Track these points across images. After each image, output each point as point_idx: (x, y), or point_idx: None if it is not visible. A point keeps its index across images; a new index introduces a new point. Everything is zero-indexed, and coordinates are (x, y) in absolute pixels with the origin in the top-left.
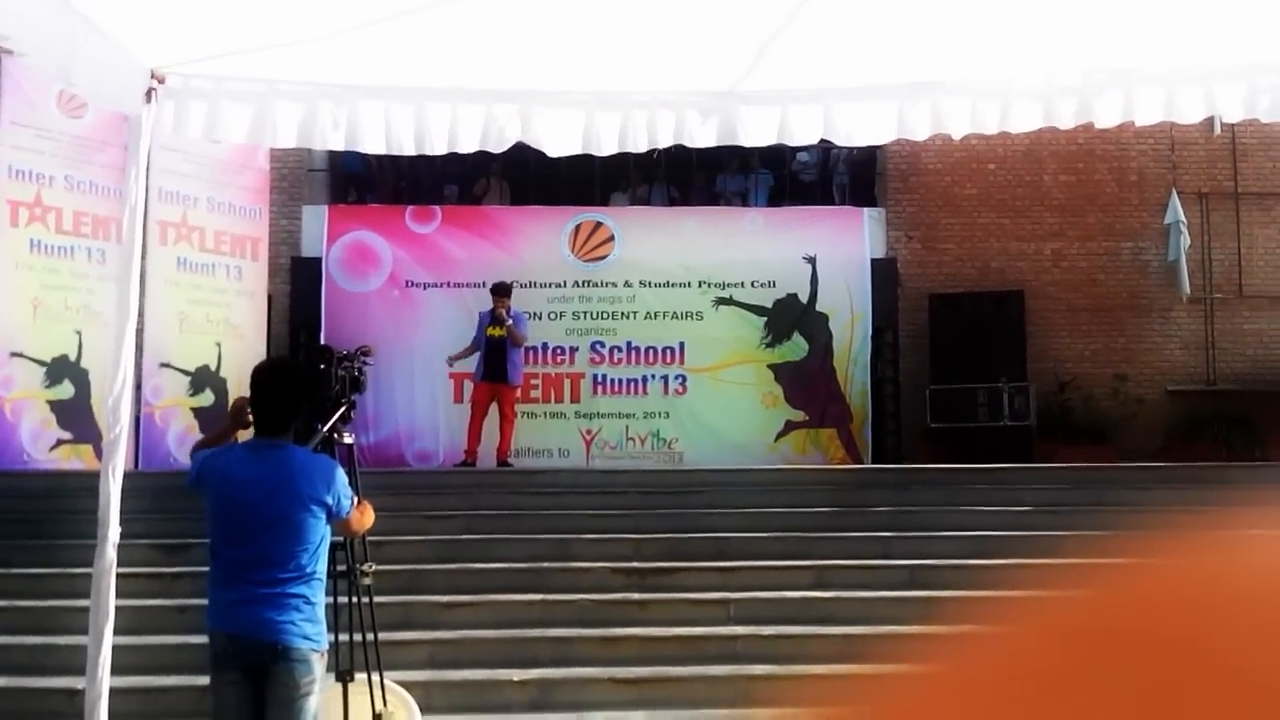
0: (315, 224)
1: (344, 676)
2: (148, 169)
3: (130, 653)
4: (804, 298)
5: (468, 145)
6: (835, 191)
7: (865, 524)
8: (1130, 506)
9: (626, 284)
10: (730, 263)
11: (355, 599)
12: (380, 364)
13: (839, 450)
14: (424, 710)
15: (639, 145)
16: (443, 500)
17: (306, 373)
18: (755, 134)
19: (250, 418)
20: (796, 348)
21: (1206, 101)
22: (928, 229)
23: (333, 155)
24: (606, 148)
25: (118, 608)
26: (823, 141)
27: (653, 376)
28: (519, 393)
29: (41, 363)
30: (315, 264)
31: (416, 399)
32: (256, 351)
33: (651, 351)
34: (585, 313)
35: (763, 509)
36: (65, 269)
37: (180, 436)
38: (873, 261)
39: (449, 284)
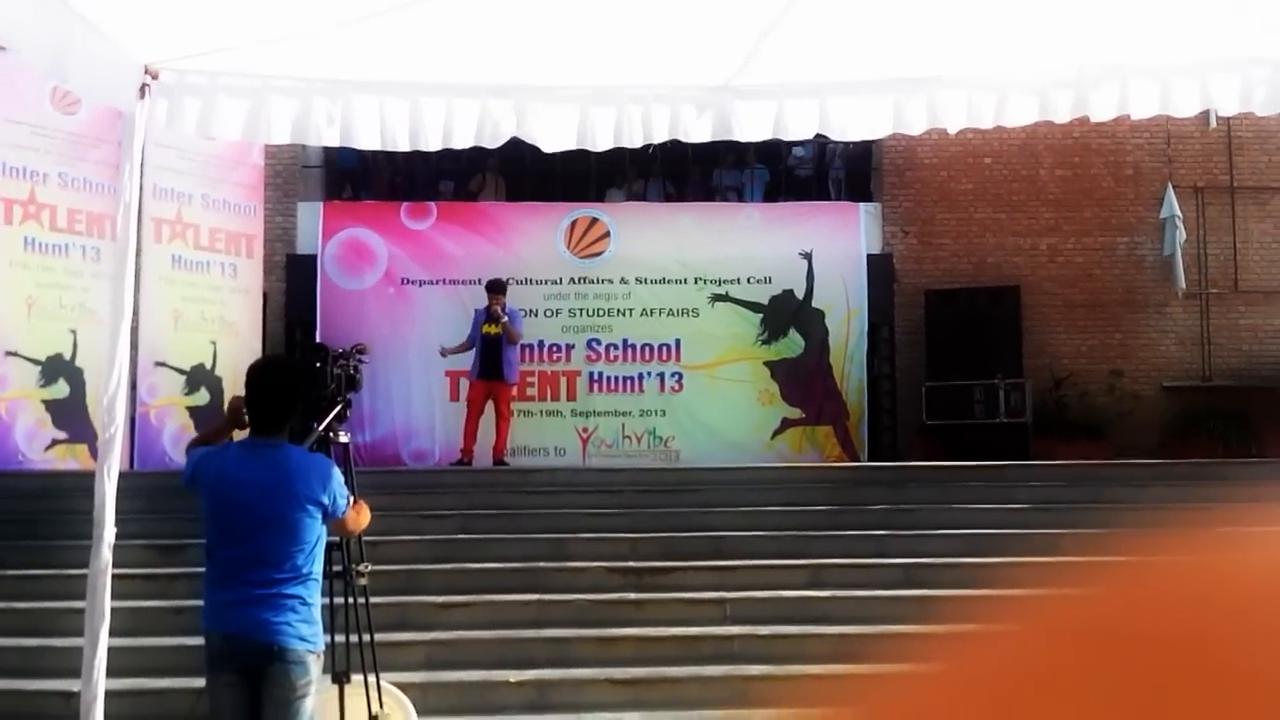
0: (310, 221)
1: (340, 678)
2: (142, 166)
3: (126, 654)
4: (800, 294)
5: (463, 141)
6: (831, 187)
7: (861, 522)
8: (1126, 503)
9: (622, 280)
10: (726, 259)
11: (351, 599)
12: (376, 362)
13: (835, 448)
14: (420, 712)
15: (634, 140)
16: (439, 499)
17: (302, 371)
18: (750, 129)
19: (246, 417)
20: (793, 344)
21: (1202, 95)
22: (924, 224)
23: (328, 151)
24: (602, 143)
25: (113, 609)
26: (818, 136)
27: (649, 374)
28: (515, 391)
29: (36, 362)
30: (310, 261)
31: (412, 397)
32: (252, 350)
33: (648, 349)
34: (581, 310)
35: (759, 507)
36: (59, 267)
37: (175, 436)
38: (869, 257)
39: (445, 281)
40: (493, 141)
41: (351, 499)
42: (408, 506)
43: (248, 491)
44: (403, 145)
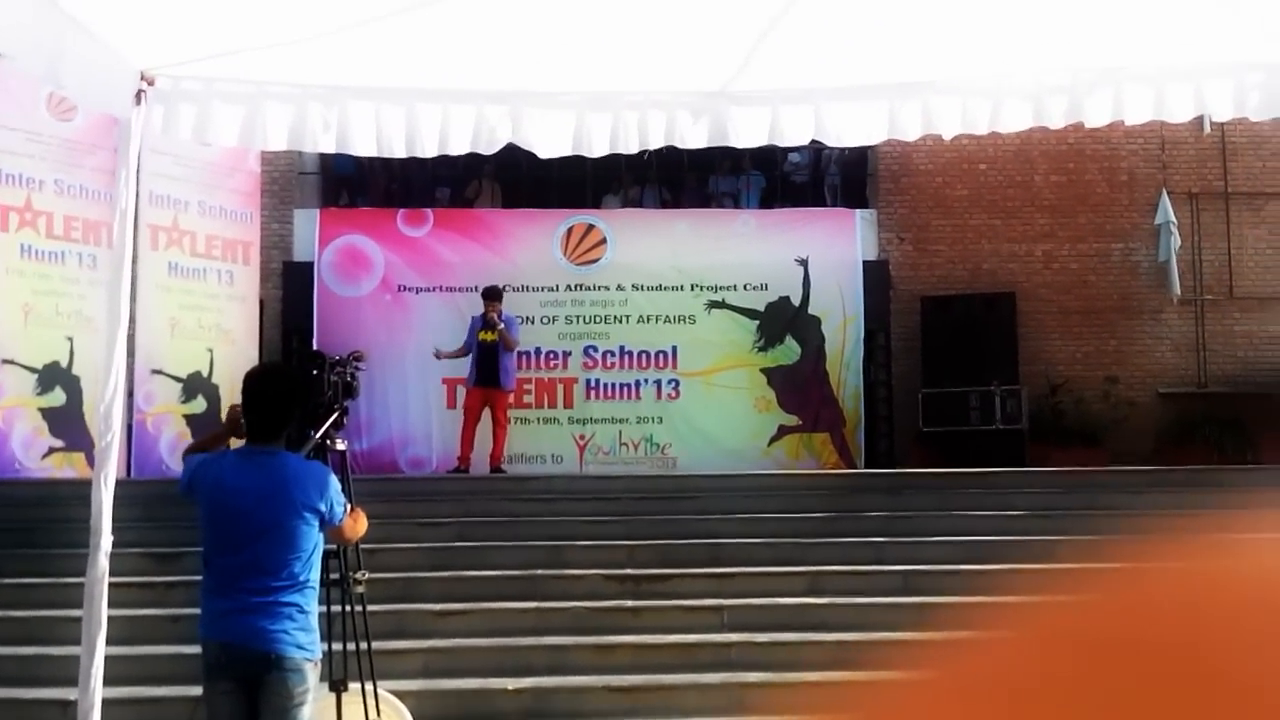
0: (307, 228)
1: (337, 686)
2: (138, 172)
3: (123, 663)
4: (796, 300)
5: (459, 147)
6: (827, 193)
7: (858, 529)
8: (1122, 510)
9: (619, 287)
10: (723, 265)
11: (348, 607)
12: (373, 369)
13: (832, 454)
14: (418, 719)
15: (630, 146)
16: (436, 507)
17: (298, 378)
18: (746, 135)
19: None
20: (789, 351)
21: (1196, 100)
22: (919, 231)
23: (324, 158)
24: (597, 149)
25: (110, 617)
26: (814, 142)
27: (645, 381)
28: (511, 398)
29: (33, 370)
30: (307, 268)
31: (409, 405)
32: (248, 357)
33: (644, 356)
34: (578, 317)
35: (756, 514)
36: (56, 274)
37: (172, 443)
38: (865, 264)
39: (441, 288)
40: (489, 148)
41: (349, 506)
42: (405, 514)
43: (245, 499)
44: (399, 151)
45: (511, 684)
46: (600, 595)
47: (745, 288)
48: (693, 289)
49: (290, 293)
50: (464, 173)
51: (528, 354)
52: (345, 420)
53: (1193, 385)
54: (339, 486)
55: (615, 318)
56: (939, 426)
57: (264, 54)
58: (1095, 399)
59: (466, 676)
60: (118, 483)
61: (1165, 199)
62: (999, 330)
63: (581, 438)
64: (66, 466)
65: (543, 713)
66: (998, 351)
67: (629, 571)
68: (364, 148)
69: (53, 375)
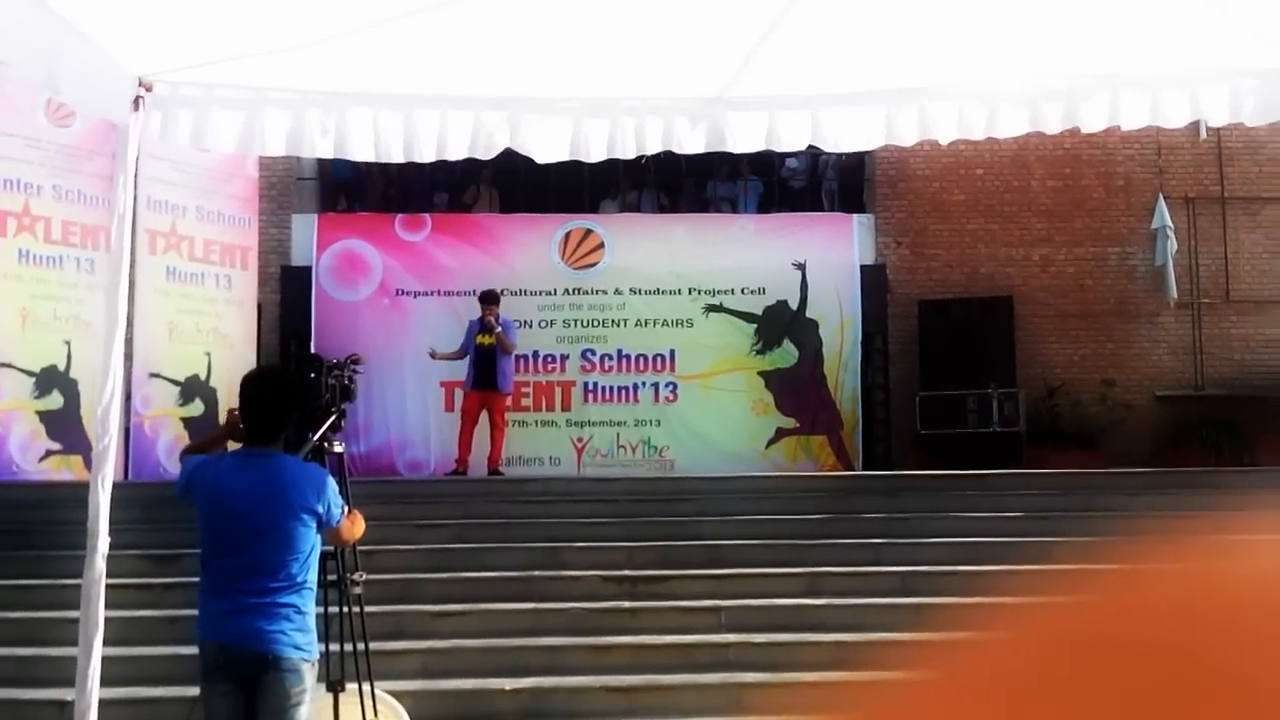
0: (305, 232)
1: (335, 686)
2: (136, 178)
3: (120, 664)
4: (794, 304)
5: (456, 152)
6: (824, 198)
7: (856, 531)
8: (1119, 512)
9: (617, 291)
10: (720, 269)
11: (346, 608)
12: (371, 373)
13: (830, 457)
14: None
15: (627, 152)
16: (434, 509)
17: (296, 381)
18: (743, 140)
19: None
20: (787, 354)
21: (1191, 105)
22: (916, 235)
23: (322, 163)
24: (595, 154)
25: (107, 619)
26: (811, 148)
27: (643, 384)
28: (509, 401)
29: (30, 373)
30: (305, 273)
31: (407, 408)
32: (246, 361)
33: (642, 359)
34: (576, 320)
35: (754, 516)
36: (54, 279)
37: (170, 446)
38: (862, 268)
39: (439, 292)
40: (486, 153)
41: (346, 508)
42: (403, 516)
43: (242, 501)
44: (397, 157)
45: (509, 684)
46: (598, 596)
47: (743, 292)
48: (690, 293)
49: (288, 297)
50: (462, 178)
51: (526, 357)
52: (343, 423)
53: (1189, 388)
54: (336, 488)
55: (613, 321)
56: (936, 429)
57: (262, 60)
58: (1092, 402)
59: (464, 677)
60: (115, 485)
61: (1162, 204)
62: (996, 334)
63: (579, 440)
64: (64, 469)
65: (540, 713)
66: (995, 355)
67: (627, 573)
68: (362, 153)
69: (50, 378)
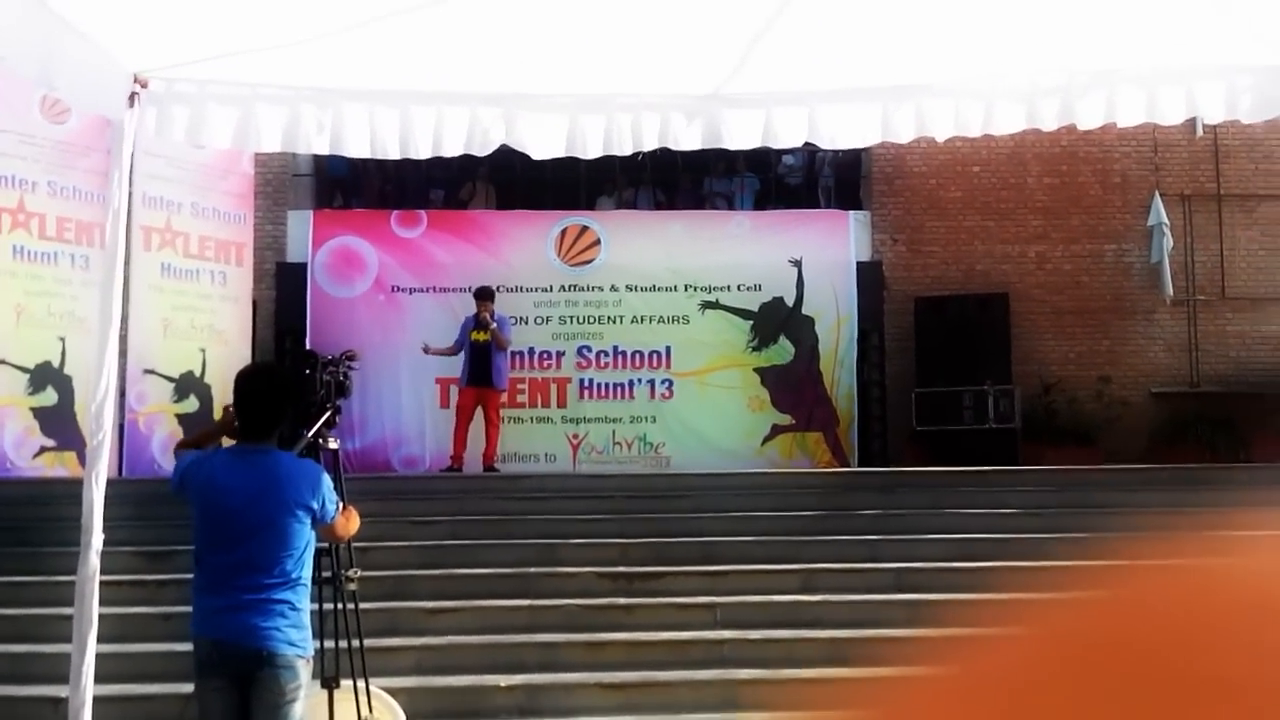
0: (300, 229)
1: (330, 683)
2: (131, 174)
3: (114, 660)
4: (790, 301)
5: (452, 149)
6: (821, 195)
7: (852, 527)
8: (1115, 508)
9: (613, 288)
10: (716, 266)
11: (341, 605)
12: (366, 369)
13: (825, 454)
14: (410, 716)
15: (624, 148)
16: (429, 506)
17: (290, 377)
18: (740, 137)
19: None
20: (783, 351)
21: (1188, 102)
22: (913, 232)
23: (317, 160)
24: (591, 150)
25: (101, 615)
26: (808, 144)
27: (639, 381)
28: (504, 397)
29: (25, 369)
30: (300, 269)
31: (402, 404)
32: (241, 357)
33: (638, 356)
34: (571, 317)
35: (750, 513)
36: (48, 275)
37: (164, 443)
38: (858, 264)
39: (435, 289)
40: (482, 149)
41: (341, 505)
42: (398, 513)
43: (237, 498)
44: (393, 153)
45: (504, 681)
46: (593, 593)
47: (739, 288)
48: (686, 289)
49: (284, 293)
50: (458, 174)
51: (521, 354)
52: (338, 419)
53: (1185, 385)
54: (331, 484)
55: (609, 318)
56: (932, 426)
57: (257, 56)
58: (1088, 398)
59: (459, 674)
60: (109, 481)
61: (1158, 201)
62: (992, 330)
63: (575, 437)
64: (58, 465)
65: (535, 710)
66: (991, 351)
67: (622, 569)
68: (358, 149)
69: (44, 375)
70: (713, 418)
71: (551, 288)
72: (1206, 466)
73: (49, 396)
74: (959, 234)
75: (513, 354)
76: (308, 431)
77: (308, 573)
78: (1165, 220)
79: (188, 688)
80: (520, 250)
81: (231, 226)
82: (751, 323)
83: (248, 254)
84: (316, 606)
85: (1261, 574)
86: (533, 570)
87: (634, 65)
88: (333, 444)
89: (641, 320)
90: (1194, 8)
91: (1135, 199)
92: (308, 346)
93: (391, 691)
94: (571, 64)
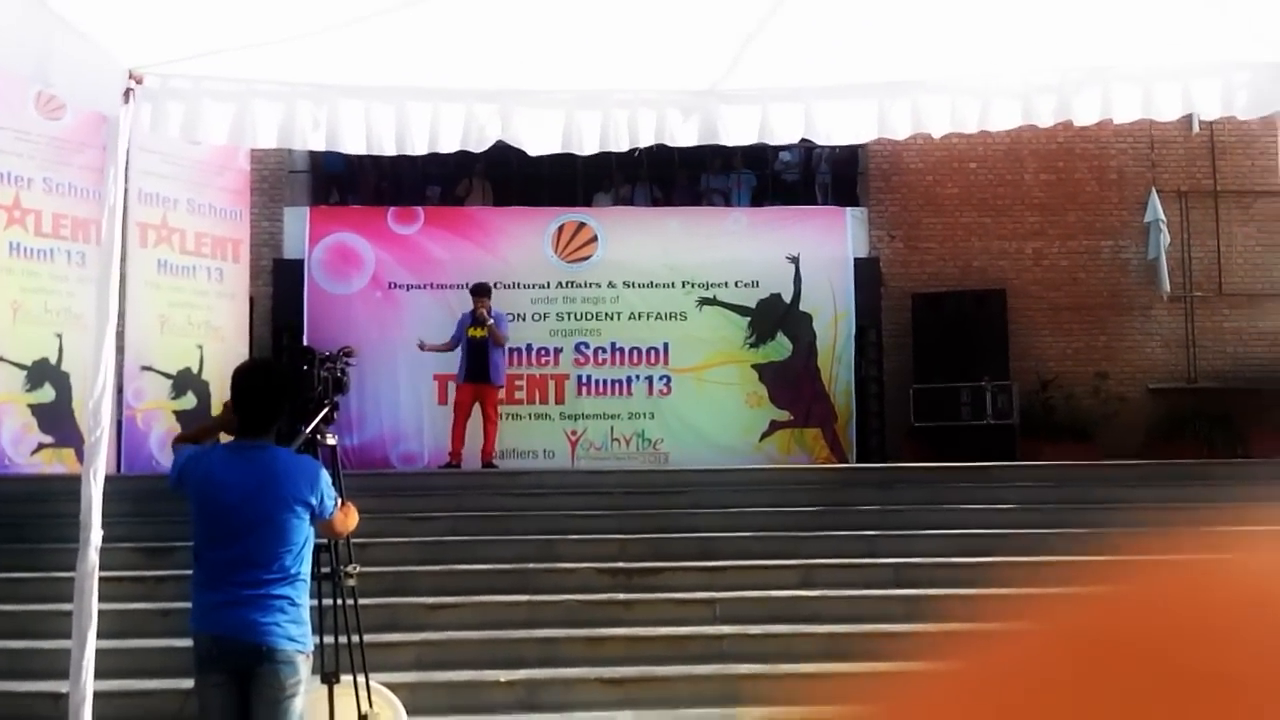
0: (297, 226)
1: (330, 678)
2: (127, 170)
3: (114, 656)
4: (787, 297)
5: (448, 145)
6: (818, 191)
7: (850, 523)
8: (1113, 504)
9: (610, 284)
10: (714, 263)
11: (340, 601)
12: (364, 366)
13: (824, 450)
14: (410, 712)
15: (620, 144)
16: (427, 502)
17: (288, 373)
18: (736, 133)
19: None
20: (780, 348)
21: (1184, 99)
22: (910, 228)
23: (314, 156)
24: (588, 147)
25: (101, 611)
26: (804, 141)
27: (637, 377)
28: (502, 393)
29: (22, 366)
30: (297, 266)
31: (400, 401)
32: (238, 354)
33: (636, 352)
34: (569, 314)
35: (748, 509)
36: (45, 272)
37: (162, 439)
38: (855, 261)
39: (432, 285)
40: (478, 145)
41: (339, 501)
42: (397, 509)
43: (234, 493)
44: (389, 149)
45: (504, 676)
46: (592, 588)
47: (736, 285)
48: (684, 286)
49: (280, 290)
50: (455, 171)
51: (519, 350)
52: (335, 415)
53: (1182, 381)
54: (329, 480)
55: (606, 314)
56: (930, 421)
57: (253, 52)
58: (1086, 394)
59: (459, 669)
60: (107, 478)
61: (1155, 197)
62: (989, 326)
63: (573, 433)
64: (56, 462)
65: (535, 704)
66: (988, 347)
67: (621, 565)
68: (354, 146)
69: (42, 372)
70: (711, 414)
71: (549, 284)
72: (1203, 462)
73: (46, 393)
74: (956, 230)
75: (510, 350)
76: (306, 427)
77: (307, 568)
78: (1162, 216)
79: (187, 683)
80: (517, 247)
81: (228, 223)
82: (749, 319)
83: (244, 250)
84: (316, 602)
85: (1261, 571)
86: (532, 566)
87: (630, 61)
88: (331, 440)
89: (639, 317)
90: (1191, 4)
91: (1132, 195)
92: (305, 343)
93: (392, 687)
94: (567, 60)
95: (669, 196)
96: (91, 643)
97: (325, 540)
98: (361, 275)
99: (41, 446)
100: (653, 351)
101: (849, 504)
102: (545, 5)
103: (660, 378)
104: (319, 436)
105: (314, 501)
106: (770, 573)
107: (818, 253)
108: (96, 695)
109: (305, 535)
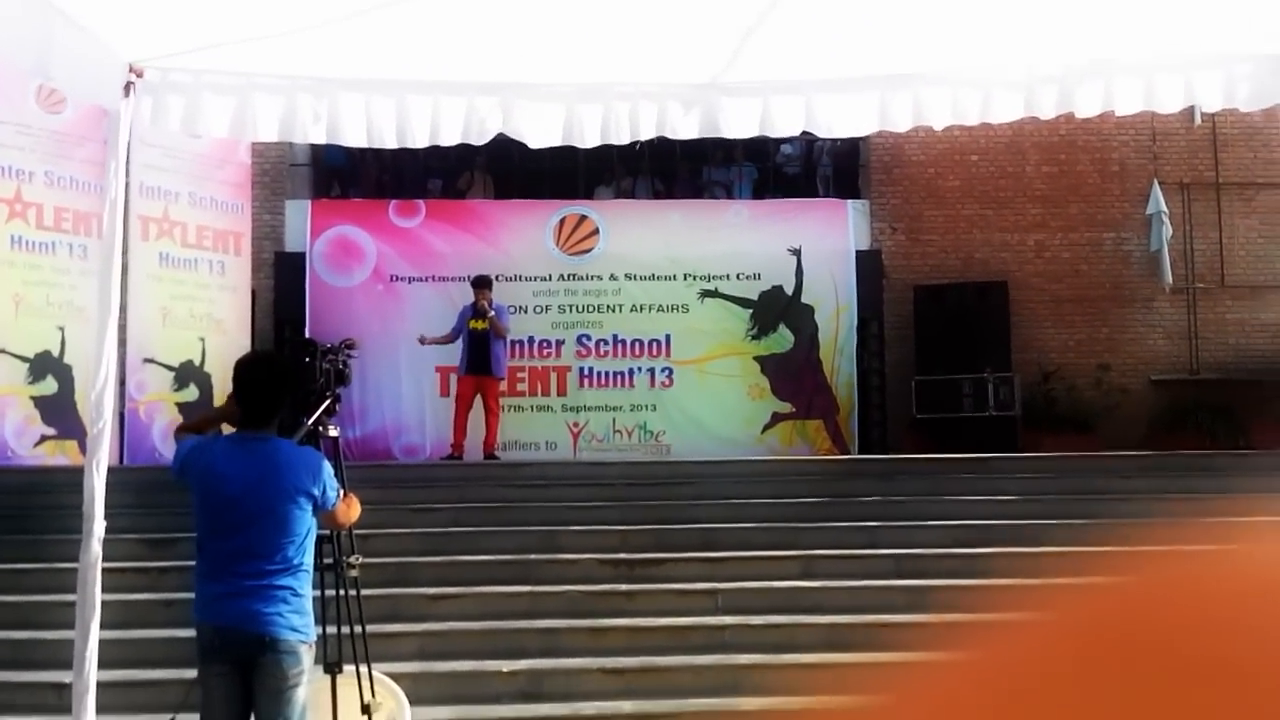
0: (298, 219)
1: (332, 668)
2: (128, 164)
3: (117, 647)
4: (789, 290)
5: (449, 138)
6: (819, 184)
7: (852, 514)
8: (1114, 495)
9: (612, 277)
10: (715, 255)
11: (343, 591)
12: (365, 358)
13: (825, 441)
14: (413, 702)
15: (621, 137)
16: (430, 493)
17: (289, 365)
18: (737, 126)
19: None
20: (782, 340)
21: (1186, 91)
22: (911, 221)
23: (315, 149)
24: (589, 140)
25: (104, 602)
26: (805, 133)
27: (639, 369)
28: (504, 386)
29: (24, 359)
30: (299, 259)
31: (402, 393)
32: (240, 346)
33: (638, 344)
34: (571, 306)
35: (750, 500)
36: (47, 265)
37: (164, 432)
38: (857, 253)
39: (433, 278)
40: (479, 138)
41: (341, 492)
42: (399, 500)
43: (236, 485)
44: (390, 142)
45: (506, 666)
46: (594, 579)
47: (738, 277)
48: (685, 278)
49: (282, 283)
50: (456, 164)
51: (521, 343)
52: (337, 407)
53: (1185, 372)
54: (331, 471)
55: (608, 307)
56: (932, 413)
57: (253, 46)
58: (1088, 386)
59: (461, 659)
60: (110, 469)
61: (1157, 189)
62: (991, 318)
63: (575, 425)
64: (59, 454)
65: (537, 694)
66: (990, 339)
67: (623, 556)
68: (355, 139)
69: (44, 364)
70: (713, 406)
71: (550, 277)
72: (1206, 453)
73: (49, 385)
74: (958, 222)
75: (512, 343)
76: (308, 419)
77: (309, 559)
78: (1164, 209)
79: (190, 673)
80: (519, 239)
81: (229, 216)
82: (751, 311)
83: (246, 243)
84: (319, 593)
85: (1264, 561)
86: (534, 557)
87: (631, 54)
88: (333, 431)
89: (641, 309)
90: None
91: (1134, 187)
92: (307, 335)
93: (394, 677)
94: (568, 53)
95: (670, 189)
96: (94, 633)
97: (328, 531)
98: (363, 268)
99: (44, 439)
100: (655, 344)
101: (850, 495)
102: None
103: (662, 370)
104: (321, 428)
105: (316, 492)
106: (772, 563)
107: (819, 245)
108: (100, 685)
109: (307, 526)
